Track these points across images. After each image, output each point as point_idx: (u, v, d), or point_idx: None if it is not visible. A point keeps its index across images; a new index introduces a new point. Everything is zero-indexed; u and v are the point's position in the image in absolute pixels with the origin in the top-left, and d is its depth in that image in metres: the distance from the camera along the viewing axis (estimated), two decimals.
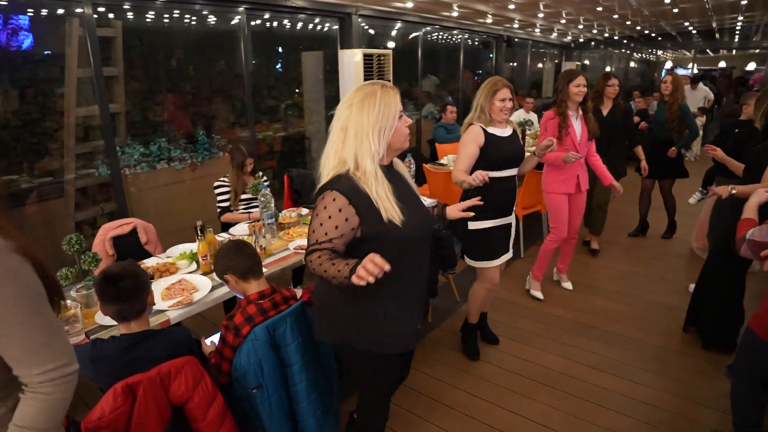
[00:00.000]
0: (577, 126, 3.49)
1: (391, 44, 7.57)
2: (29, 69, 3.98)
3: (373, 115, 1.51)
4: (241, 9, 4.72)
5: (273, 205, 2.91)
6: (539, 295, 3.82)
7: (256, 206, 3.70)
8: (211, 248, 2.65)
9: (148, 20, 4.56)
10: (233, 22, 4.75)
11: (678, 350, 3.13)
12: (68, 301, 2.03)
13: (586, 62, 14.15)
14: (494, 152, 2.68)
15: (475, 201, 2.07)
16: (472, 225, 2.77)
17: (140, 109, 4.60)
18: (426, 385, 2.81)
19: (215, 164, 4.77)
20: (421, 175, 4.85)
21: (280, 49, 6.40)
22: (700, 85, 9.11)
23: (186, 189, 4.61)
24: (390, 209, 1.54)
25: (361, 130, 1.52)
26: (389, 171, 1.65)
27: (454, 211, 2.07)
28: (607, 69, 15.57)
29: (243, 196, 3.63)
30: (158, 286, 2.41)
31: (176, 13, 4.68)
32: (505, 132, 2.75)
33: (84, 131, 4.20)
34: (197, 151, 4.65)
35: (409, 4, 5.58)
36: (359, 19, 6.00)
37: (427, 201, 3.49)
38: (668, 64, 20.65)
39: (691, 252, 4.70)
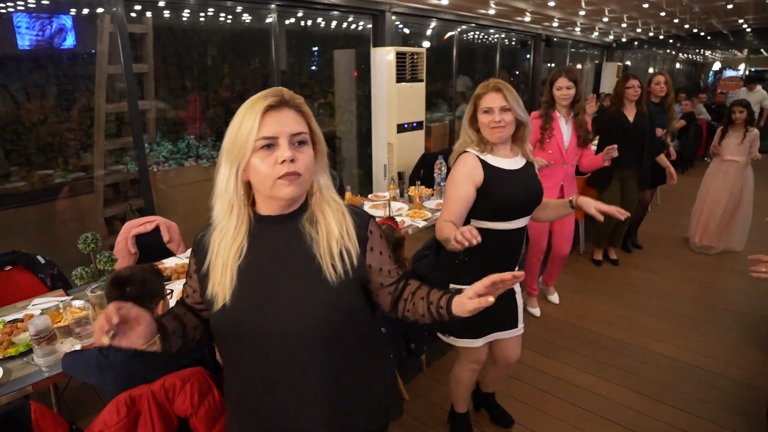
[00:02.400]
0: (565, 130, 3.11)
1: (426, 44, 7.42)
2: (67, 66, 4.03)
3: (227, 139, 1.04)
4: (272, 6, 4.65)
5: None
6: (536, 312, 3.57)
7: None
8: None
9: (179, 18, 4.55)
10: (264, 21, 4.69)
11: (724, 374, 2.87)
12: (78, 302, 1.97)
13: (628, 63, 13.62)
14: (498, 195, 1.83)
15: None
16: (455, 288, 2.06)
17: (171, 107, 4.60)
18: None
19: None
20: None
21: (313, 48, 6.35)
22: (759, 87, 8.61)
23: (204, 189, 4.57)
24: (217, 281, 1.08)
25: (218, 160, 1.09)
26: (273, 227, 1.10)
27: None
28: (650, 70, 14.97)
29: None
30: (176, 288, 2.34)
31: (208, 11, 4.66)
32: (513, 162, 1.88)
33: (116, 128, 4.23)
34: None
35: (445, 1, 5.42)
36: (393, 17, 5.86)
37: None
38: (716, 65, 19.73)
39: (732, 263, 4.38)
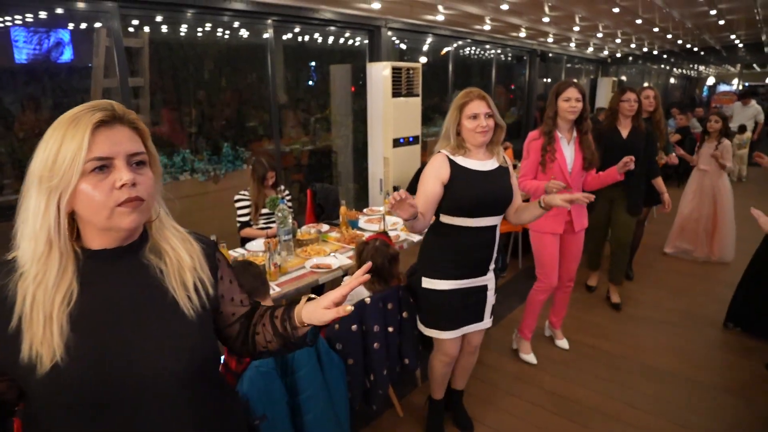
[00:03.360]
0: (568, 151, 2.79)
1: (423, 59, 7.48)
2: (64, 80, 4.04)
3: (38, 163, 0.85)
4: (269, 21, 4.69)
5: (291, 220, 2.79)
6: (531, 358, 3.10)
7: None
8: None
9: (176, 32, 4.58)
10: (261, 36, 4.72)
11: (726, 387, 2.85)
12: None
13: (623, 78, 13.75)
14: (463, 192, 1.99)
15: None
16: (427, 283, 2.14)
17: (166, 121, 4.61)
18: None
19: (239, 176, 4.72)
20: None
21: (311, 64, 6.39)
22: (753, 102, 8.66)
23: (209, 201, 4.57)
24: (39, 338, 0.84)
25: (23, 190, 0.89)
26: (109, 262, 0.93)
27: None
28: (645, 85, 15.11)
29: (263, 211, 3.54)
30: None
31: (206, 25, 4.70)
32: (485, 164, 2.05)
33: None
34: (221, 163, 4.60)
35: (440, 17, 5.46)
36: (389, 33, 5.92)
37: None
38: (710, 80, 19.95)
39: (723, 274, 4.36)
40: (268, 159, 3.57)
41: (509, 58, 9.32)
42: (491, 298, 2.23)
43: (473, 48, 8.32)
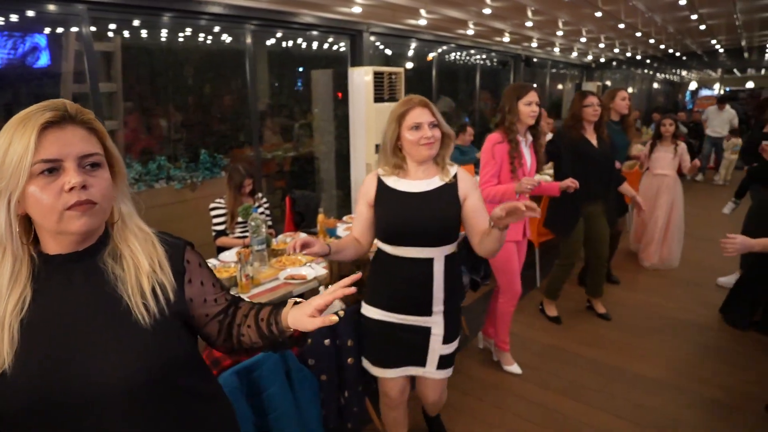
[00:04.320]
0: (526, 154, 2.72)
1: (410, 64, 7.44)
2: (36, 85, 3.91)
3: None
4: (248, 26, 4.59)
5: (264, 230, 2.69)
6: (515, 369, 3.02)
7: None
8: None
9: (154, 37, 4.47)
10: (241, 40, 4.62)
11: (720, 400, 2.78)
12: None
13: (608, 83, 13.83)
14: (385, 216, 1.79)
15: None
16: (364, 308, 1.94)
17: (141, 127, 4.49)
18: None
19: (217, 184, 4.60)
20: None
21: (298, 69, 6.31)
22: (728, 107, 8.71)
23: (185, 209, 4.44)
24: None
25: None
26: (65, 267, 0.90)
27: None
28: (630, 90, 15.23)
29: (240, 219, 3.44)
30: None
31: (184, 30, 4.59)
32: (421, 184, 1.78)
33: None
34: (198, 170, 4.49)
35: (422, 22, 5.41)
36: (372, 38, 5.85)
37: None
38: (692, 85, 20.18)
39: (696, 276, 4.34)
40: (245, 166, 3.47)
41: (494, 63, 9.31)
42: (438, 345, 1.87)
43: (458, 53, 8.30)
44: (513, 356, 3.10)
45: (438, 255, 1.78)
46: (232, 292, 2.34)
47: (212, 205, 3.48)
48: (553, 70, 11.70)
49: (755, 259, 3.33)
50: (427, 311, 1.83)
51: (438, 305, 1.83)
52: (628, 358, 3.18)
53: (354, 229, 1.89)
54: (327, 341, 2.02)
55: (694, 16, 6.07)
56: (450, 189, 1.80)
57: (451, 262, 1.82)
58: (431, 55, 7.24)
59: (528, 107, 2.60)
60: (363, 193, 1.85)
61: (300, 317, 1.00)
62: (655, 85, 18.22)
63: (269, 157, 5.98)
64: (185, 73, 5.19)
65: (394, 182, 1.81)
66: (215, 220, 3.44)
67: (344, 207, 6.08)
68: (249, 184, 3.44)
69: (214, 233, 3.44)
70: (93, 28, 3.55)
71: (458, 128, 5.99)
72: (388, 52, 6.97)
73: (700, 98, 15.62)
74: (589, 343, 3.37)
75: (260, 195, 3.65)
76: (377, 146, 5.12)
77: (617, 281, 4.36)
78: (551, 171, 3.84)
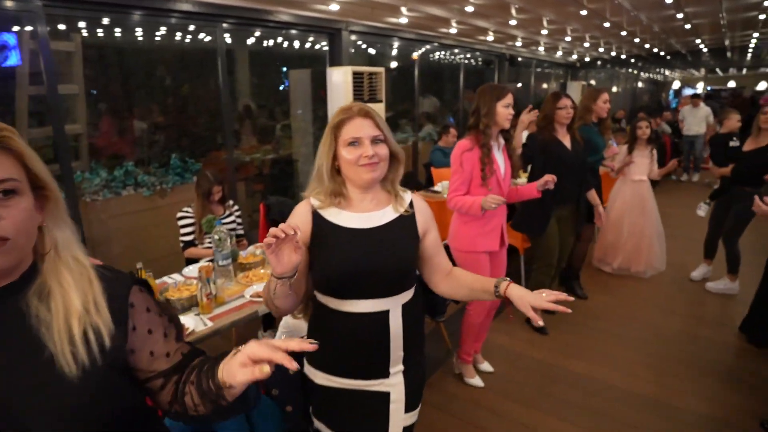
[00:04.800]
0: (499, 160, 2.57)
1: (394, 64, 7.27)
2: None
3: None
4: (222, 24, 4.38)
5: (230, 243, 2.49)
6: (477, 382, 2.90)
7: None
8: None
9: (121, 36, 4.25)
10: (215, 39, 4.40)
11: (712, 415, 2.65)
12: None
13: (592, 82, 13.80)
14: (327, 262, 1.37)
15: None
16: (308, 370, 1.50)
17: (107, 131, 4.25)
18: None
19: (190, 190, 4.38)
20: None
21: (272, 69, 6.11)
22: (702, 104, 8.60)
23: (155, 217, 4.22)
24: None
25: None
26: None
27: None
28: (614, 89, 15.24)
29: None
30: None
31: (152, 29, 4.37)
32: (371, 218, 1.41)
33: (54, 154, 3.86)
34: (168, 175, 4.27)
35: (404, 20, 5.24)
36: (352, 36, 5.67)
37: None
38: (676, 84, 20.32)
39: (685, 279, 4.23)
40: (214, 172, 3.28)
41: (478, 63, 9.18)
42: (400, 415, 1.47)
43: (441, 52, 8.15)
44: (497, 370, 2.95)
45: (394, 306, 1.40)
46: (192, 313, 2.16)
47: (180, 214, 3.29)
48: (538, 70, 11.62)
49: None
50: (384, 373, 1.44)
51: (396, 365, 1.45)
52: (613, 370, 3.04)
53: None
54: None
55: (680, 15, 5.98)
56: (407, 222, 1.45)
57: (410, 311, 1.44)
58: (415, 55, 7.08)
59: (506, 110, 2.46)
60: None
61: (231, 367, 0.80)
62: (640, 84, 18.29)
63: (247, 160, 5.79)
64: (158, 74, 4.97)
65: (335, 215, 1.39)
66: (183, 230, 3.25)
67: None
68: (218, 191, 3.26)
69: (182, 244, 3.25)
70: (65, 26, 3.32)
71: (442, 129, 5.84)
72: (372, 51, 6.81)
73: (684, 97, 15.71)
74: (576, 355, 3.23)
75: (231, 203, 3.46)
76: None
77: (584, 294, 4.12)
78: (522, 180, 3.70)
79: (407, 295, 1.44)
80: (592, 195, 3.60)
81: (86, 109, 3.98)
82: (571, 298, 1.20)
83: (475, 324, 2.81)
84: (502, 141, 2.60)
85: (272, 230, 1.06)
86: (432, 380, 2.98)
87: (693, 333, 3.51)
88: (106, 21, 3.99)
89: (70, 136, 3.88)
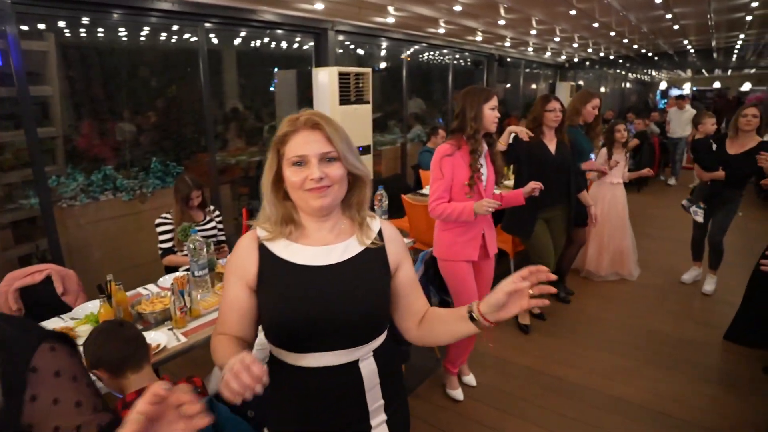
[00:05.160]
0: (483, 166, 2.48)
1: (383, 64, 7.19)
2: None
3: None
4: (204, 24, 4.27)
5: (206, 253, 2.38)
6: (458, 394, 2.78)
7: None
8: (120, 310, 2.12)
9: (97, 36, 4.10)
10: (199, 39, 4.28)
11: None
12: None
13: (581, 83, 13.82)
14: (280, 309, 1.12)
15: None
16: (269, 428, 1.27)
17: (86, 134, 4.11)
18: None
19: (171, 194, 4.27)
20: (400, 207, 4.34)
21: (258, 69, 5.99)
22: (688, 106, 8.57)
23: (136, 222, 4.10)
24: None
25: None
26: None
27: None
28: (602, 89, 15.29)
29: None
30: None
31: (133, 28, 4.23)
32: (328, 252, 1.16)
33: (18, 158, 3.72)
34: (148, 179, 4.14)
35: (391, 20, 5.16)
36: (341, 36, 5.57)
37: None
38: (663, 85, 20.45)
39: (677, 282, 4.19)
40: (192, 177, 3.17)
41: (468, 63, 9.12)
42: None
43: (430, 53, 8.07)
44: (487, 380, 2.87)
45: (365, 354, 1.17)
46: (166, 328, 2.05)
47: (158, 221, 3.17)
48: (527, 70, 11.60)
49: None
50: (365, 427, 1.21)
51: (378, 416, 1.22)
52: (604, 378, 2.97)
53: (223, 323, 1.16)
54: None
55: (669, 15, 5.96)
56: (375, 256, 1.20)
57: (384, 352, 1.22)
58: (405, 55, 7.00)
59: (492, 112, 2.37)
60: (237, 266, 1.17)
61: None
62: (627, 85, 18.37)
63: (233, 162, 5.67)
64: (140, 75, 4.83)
65: (286, 250, 1.15)
66: (161, 237, 3.13)
67: None
68: (197, 196, 3.15)
69: (160, 251, 3.14)
70: (39, 25, 3.19)
71: (430, 130, 5.76)
72: (361, 52, 6.72)
73: (671, 98, 15.79)
74: (567, 362, 3.16)
75: (212, 208, 3.36)
76: None
77: (567, 298, 4.06)
78: (511, 183, 3.61)
79: (380, 339, 1.21)
80: (584, 196, 3.59)
81: (62, 111, 3.84)
82: (553, 290, 1.02)
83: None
84: (485, 146, 2.48)
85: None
86: (420, 390, 2.90)
87: (683, 337, 3.45)
88: (84, 20, 3.85)
89: (47, 139, 3.76)
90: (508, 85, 11.22)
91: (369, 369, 1.18)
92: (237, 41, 5.32)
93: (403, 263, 1.25)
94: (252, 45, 5.58)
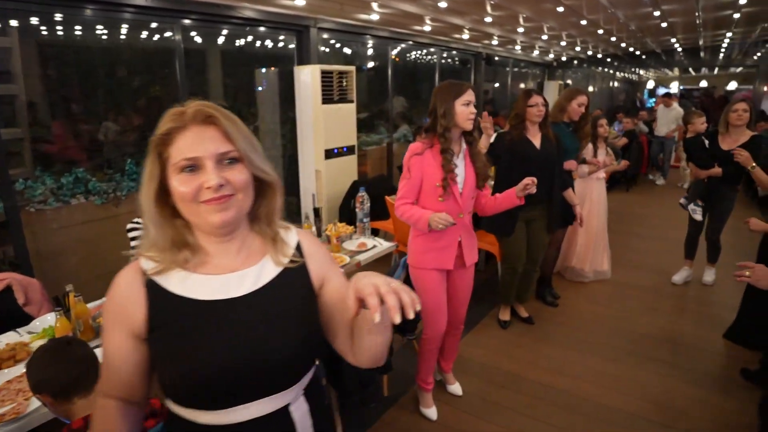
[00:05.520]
0: (459, 167, 2.26)
1: (372, 63, 7.06)
2: None
3: None
4: (181, 21, 4.12)
5: None
6: (431, 413, 2.60)
7: None
8: (80, 324, 1.99)
9: (72, 33, 3.94)
10: (174, 36, 4.13)
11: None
12: None
13: (569, 81, 13.79)
14: (177, 360, 0.89)
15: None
16: None
17: (57, 135, 3.94)
18: None
19: None
20: (385, 209, 4.22)
21: (247, 69, 5.83)
22: (675, 104, 8.51)
23: (111, 227, 3.94)
24: None
25: None
26: None
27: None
28: (591, 88, 15.28)
29: None
30: None
31: (108, 25, 4.07)
32: (234, 281, 0.95)
33: None
34: (122, 182, 3.98)
35: (375, 17, 5.03)
36: (325, 35, 5.44)
37: None
38: (650, 84, 20.52)
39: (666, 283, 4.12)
40: None
41: (455, 62, 9.02)
42: None
43: (417, 51, 7.96)
44: (473, 389, 2.76)
45: (295, 396, 0.99)
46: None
47: (129, 226, 3.02)
48: (516, 69, 11.53)
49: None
50: None
51: None
52: (596, 387, 2.87)
53: (105, 380, 0.95)
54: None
55: (657, 13, 5.89)
56: (296, 276, 1.00)
57: (314, 391, 1.05)
58: (393, 54, 6.87)
59: (466, 108, 2.16)
60: (117, 312, 0.92)
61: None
62: (615, 84, 18.40)
63: None
64: (118, 74, 4.66)
65: (183, 283, 0.92)
66: (134, 243, 2.98)
67: (297, 215, 5.65)
68: None
69: (132, 258, 2.98)
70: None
71: (415, 130, 5.65)
72: (348, 51, 6.58)
73: (660, 96, 15.84)
74: (556, 369, 3.06)
75: None
76: (327, 151, 4.73)
77: (554, 302, 3.95)
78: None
79: (311, 374, 1.03)
80: (570, 195, 3.49)
81: (31, 111, 3.67)
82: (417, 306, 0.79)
83: (429, 350, 2.51)
84: (464, 145, 2.29)
85: None
86: (404, 400, 2.78)
87: (673, 340, 3.37)
88: (57, 18, 3.69)
89: (14, 140, 3.59)
90: (497, 84, 11.15)
91: (301, 411, 0.99)
92: (221, 40, 5.17)
93: (330, 276, 1.04)
94: (236, 44, 5.43)
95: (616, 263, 4.58)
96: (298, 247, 1.03)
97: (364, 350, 0.95)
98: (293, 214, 5.73)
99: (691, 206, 4.06)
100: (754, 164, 3.27)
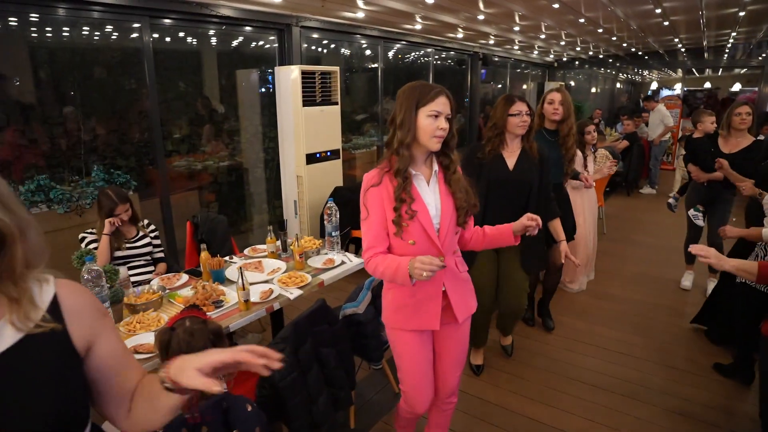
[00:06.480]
0: (430, 197, 1.70)
1: (375, 65, 6.84)
2: None
3: None
4: (168, 21, 3.90)
5: (106, 285, 2.00)
6: None
7: (141, 263, 2.85)
8: None
9: (53, 34, 3.72)
10: (143, 36, 3.90)
11: None
12: None
13: (571, 83, 13.53)
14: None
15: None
16: None
17: (10, 141, 3.70)
18: None
19: None
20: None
21: (224, 70, 5.60)
22: (659, 106, 8.17)
23: (72, 237, 3.70)
24: None
25: None
26: None
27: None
28: (593, 90, 15.01)
29: (117, 253, 2.77)
30: None
31: (77, 25, 3.84)
32: None
33: None
34: (87, 189, 3.75)
35: (360, 14, 4.79)
36: (313, 34, 5.20)
37: None
38: (654, 85, 20.22)
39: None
40: (117, 190, 2.80)
41: (451, 62, 8.77)
42: None
43: (411, 52, 7.71)
44: (460, 427, 2.49)
45: None
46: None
47: (81, 235, 2.84)
48: (517, 71, 11.28)
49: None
50: None
51: None
52: (586, 422, 2.61)
53: None
54: (249, 407, 1.48)
55: (658, 10, 5.63)
56: (49, 341, 0.81)
57: None
58: (390, 54, 6.64)
59: (433, 122, 1.59)
60: None
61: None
62: (618, 85, 18.13)
63: (199, 168, 5.30)
64: (94, 75, 4.44)
65: None
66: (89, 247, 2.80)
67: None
68: (125, 210, 2.78)
69: None
70: None
71: None
72: (347, 52, 6.36)
73: (662, 98, 15.55)
74: (544, 400, 2.79)
75: (146, 222, 2.99)
76: (309, 156, 4.48)
77: (552, 327, 3.60)
78: None
79: None
80: (554, 227, 2.77)
81: None
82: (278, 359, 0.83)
83: (405, 419, 2.05)
84: (435, 167, 1.72)
85: None
86: (376, 429, 2.53)
87: (671, 365, 3.11)
88: (11, 19, 3.49)
89: None
90: (498, 86, 10.89)
91: None
92: (195, 41, 4.95)
93: (100, 337, 0.88)
94: (217, 44, 5.20)
95: (613, 274, 4.34)
96: (55, 306, 0.82)
97: (148, 421, 0.88)
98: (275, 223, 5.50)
99: (692, 212, 3.87)
100: (760, 191, 3.03)
